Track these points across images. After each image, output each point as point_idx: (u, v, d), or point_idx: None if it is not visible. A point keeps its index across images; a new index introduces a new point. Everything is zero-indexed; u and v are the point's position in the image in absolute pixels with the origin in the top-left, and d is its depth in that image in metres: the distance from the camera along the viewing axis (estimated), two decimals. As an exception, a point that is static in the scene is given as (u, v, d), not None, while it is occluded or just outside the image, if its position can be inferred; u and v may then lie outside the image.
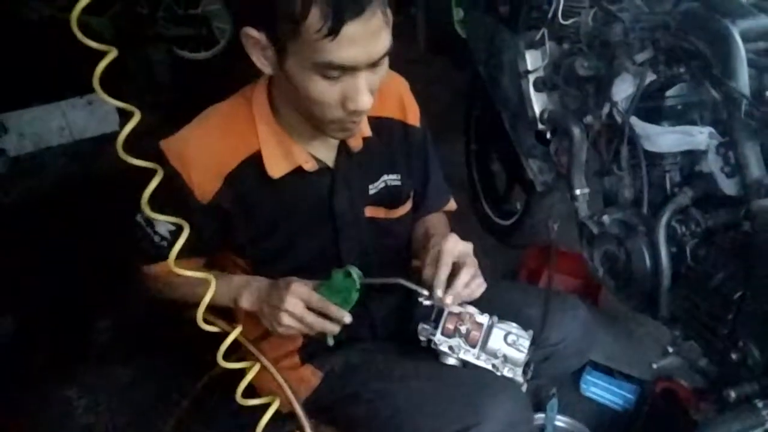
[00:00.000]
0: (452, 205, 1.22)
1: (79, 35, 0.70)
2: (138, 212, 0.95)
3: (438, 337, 0.95)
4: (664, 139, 1.12)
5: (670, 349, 1.12)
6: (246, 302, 0.95)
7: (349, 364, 1.04)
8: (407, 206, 1.12)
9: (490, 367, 0.94)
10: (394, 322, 1.14)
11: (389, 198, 1.07)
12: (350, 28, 0.73)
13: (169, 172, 0.87)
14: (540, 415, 1.43)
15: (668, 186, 1.15)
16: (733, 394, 0.94)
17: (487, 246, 1.96)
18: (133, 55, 3.58)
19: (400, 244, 1.14)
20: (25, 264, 2.02)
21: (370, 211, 1.05)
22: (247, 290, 0.95)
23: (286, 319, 0.88)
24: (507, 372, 0.94)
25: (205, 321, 0.90)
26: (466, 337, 0.95)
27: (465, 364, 0.96)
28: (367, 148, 0.99)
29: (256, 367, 0.92)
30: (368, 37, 0.75)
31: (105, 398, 1.61)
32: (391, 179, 1.06)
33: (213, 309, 0.95)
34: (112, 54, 0.71)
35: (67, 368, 1.69)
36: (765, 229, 0.90)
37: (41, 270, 2.02)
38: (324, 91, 0.80)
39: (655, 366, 1.10)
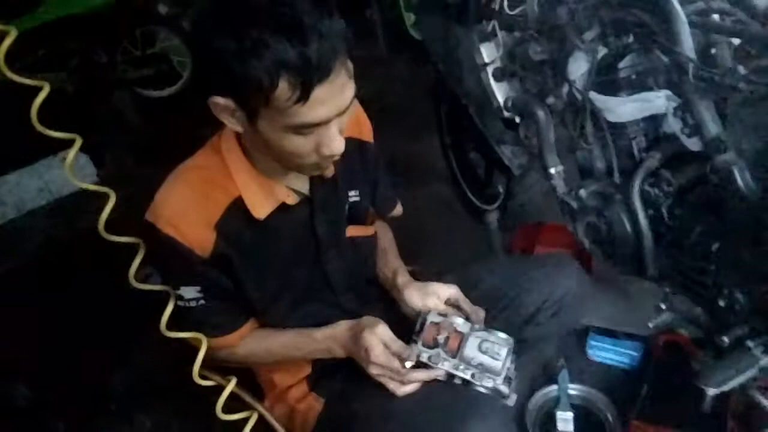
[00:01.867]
0: (398, 210, 1.27)
1: (9, 73, 0.73)
2: (172, 297, 0.98)
3: (419, 348, 0.98)
4: (624, 108, 1.17)
5: (663, 306, 1.17)
6: (340, 353, 1.03)
7: (347, 387, 1.08)
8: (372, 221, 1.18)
9: (469, 376, 0.95)
10: None
11: (356, 216, 1.11)
12: (318, 92, 0.76)
13: (163, 239, 0.91)
14: (553, 387, 1.48)
15: (636, 152, 1.20)
16: (726, 340, 0.99)
17: (479, 233, 2.01)
18: (99, 104, 3.60)
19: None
20: (27, 329, 2.04)
21: (349, 231, 1.09)
22: (335, 343, 1.02)
23: (374, 370, 0.97)
24: (486, 382, 0.95)
25: (201, 376, 0.97)
26: (445, 345, 0.98)
27: (449, 375, 0.97)
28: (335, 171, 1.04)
29: (254, 418, 1.00)
30: (336, 94, 0.79)
31: (131, 447, 1.64)
32: (353, 196, 1.10)
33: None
34: (46, 89, 0.75)
35: (89, 425, 1.71)
36: (729, 182, 0.95)
37: (43, 332, 2.03)
38: (298, 144, 0.83)
39: (650, 325, 1.16)
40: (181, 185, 0.95)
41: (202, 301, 0.97)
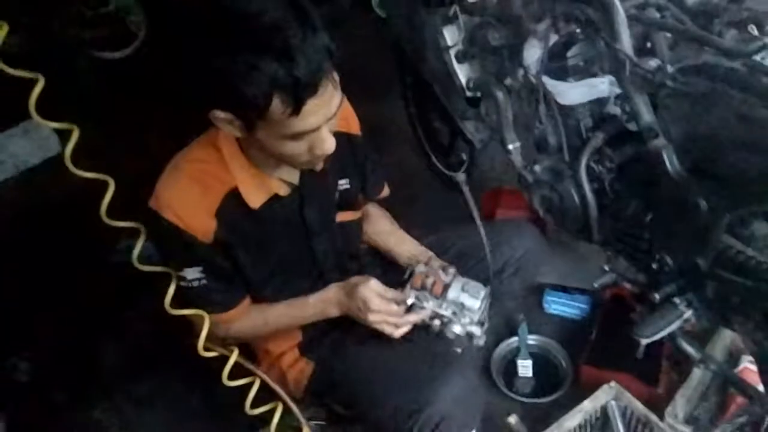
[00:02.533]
0: (386, 191, 1.39)
1: (6, 68, 0.79)
2: (174, 278, 1.07)
3: (407, 291, 1.12)
4: (573, 92, 1.29)
5: (606, 267, 1.34)
6: (335, 312, 1.14)
7: (334, 350, 1.22)
8: (361, 205, 1.30)
9: (450, 314, 1.11)
10: None
11: (346, 202, 1.23)
12: (308, 105, 0.85)
13: (168, 226, 1.01)
14: (514, 339, 1.66)
15: (583, 132, 1.33)
16: (657, 296, 1.16)
17: (447, 198, 2.12)
18: (52, 68, 3.51)
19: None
20: (11, 304, 2.08)
21: (340, 216, 1.21)
22: (328, 304, 1.13)
23: (373, 317, 1.08)
24: (464, 320, 1.10)
25: (205, 349, 1.09)
26: (431, 289, 1.12)
27: (433, 315, 1.12)
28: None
29: (257, 383, 1.14)
30: (324, 105, 0.88)
31: (132, 413, 1.74)
32: (343, 184, 1.22)
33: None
34: (41, 82, 0.81)
35: (89, 395, 1.80)
36: (659, 163, 1.09)
37: (29, 307, 2.06)
38: (293, 148, 0.93)
39: (596, 285, 1.32)
40: (183, 177, 1.03)
41: (203, 281, 1.07)
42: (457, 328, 1.11)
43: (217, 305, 1.11)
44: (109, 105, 3.18)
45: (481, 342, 1.15)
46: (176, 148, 1.11)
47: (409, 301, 1.11)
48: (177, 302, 1.09)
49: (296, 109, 0.85)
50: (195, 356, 1.23)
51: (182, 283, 1.07)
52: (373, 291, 1.09)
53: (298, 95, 0.84)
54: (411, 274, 1.16)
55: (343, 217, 1.22)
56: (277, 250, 1.13)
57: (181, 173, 1.05)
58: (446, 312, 1.11)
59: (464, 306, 1.11)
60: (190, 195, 1.02)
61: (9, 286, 2.16)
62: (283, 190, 1.09)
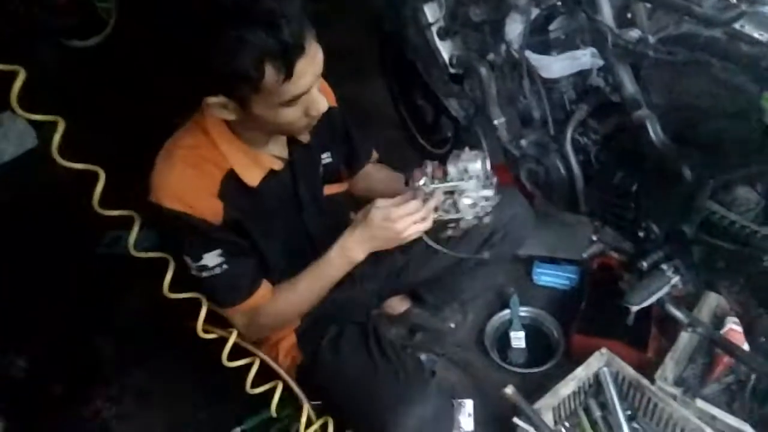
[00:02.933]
0: (375, 155, 1.40)
1: None
2: (187, 268, 1.04)
3: (412, 185, 1.09)
4: (555, 65, 1.30)
5: (594, 238, 1.37)
6: (359, 253, 1.09)
7: (325, 349, 1.21)
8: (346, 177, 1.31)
9: (458, 183, 1.07)
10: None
11: (330, 175, 1.24)
12: (299, 66, 0.87)
13: (173, 216, 0.99)
14: (506, 311, 1.69)
15: (567, 104, 1.35)
16: (645, 264, 1.19)
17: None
18: (20, 57, 3.42)
19: None
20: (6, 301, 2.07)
21: (327, 190, 1.22)
22: (351, 248, 1.09)
23: (401, 224, 1.05)
24: (473, 185, 1.07)
25: (204, 331, 1.09)
26: (433, 175, 1.09)
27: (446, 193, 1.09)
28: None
29: (257, 363, 1.13)
30: (311, 63, 0.89)
31: (131, 405, 1.74)
32: (325, 158, 1.22)
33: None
34: (22, 75, 0.80)
35: (84, 388, 1.79)
36: (643, 132, 1.11)
37: (19, 300, 2.05)
38: (289, 114, 0.94)
39: (584, 255, 1.35)
40: (179, 164, 1.01)
41: (225, 266, 1.04)
42: (470, 195, 1.09)
43: (243, 289, 1.09)
44: (81, 94, 3.13)
45: (495, 201, 1.12)
46: (157, 135, 1.08)
47: (420, 183, 1.09)
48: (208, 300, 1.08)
49: (289, 72, 0.86)
50: (189, 341, 1.23)
51: (205, 274, 1.05)
52: (385, 205, 1.07)
53: (289, 58, 0.85)
54: (410, 174, 1.14)
55: (329, 190, 1.23)
56: (276, 226, 1.14)
57: (175, 161, 1.02)
58: (457, 184, 1.09)
59: (467, 170, 1.09)
60: (190, 180, 1.01)
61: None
62: (278, 165, 1.09)
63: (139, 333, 1.93)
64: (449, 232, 1.14)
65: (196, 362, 1.60)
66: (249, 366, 1.17)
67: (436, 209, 1.09)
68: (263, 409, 1.40)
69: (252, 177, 1.05)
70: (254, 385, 1.17)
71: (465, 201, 1.09)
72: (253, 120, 0.95)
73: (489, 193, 1.09)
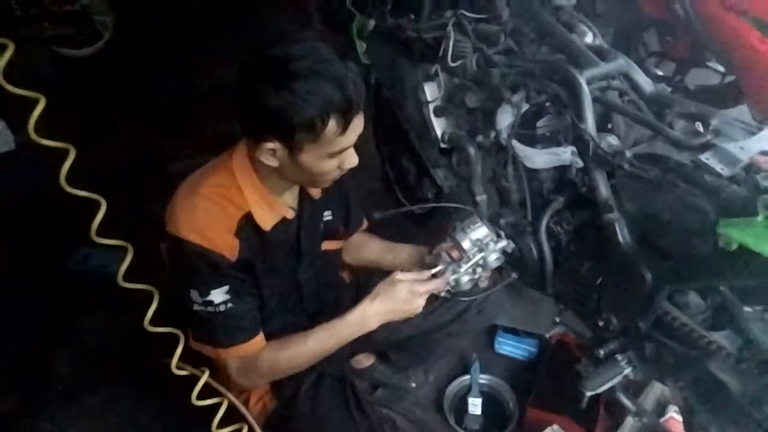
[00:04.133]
0: (365, 225, 1.50)
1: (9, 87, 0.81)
2: (190, 303, 1.08)
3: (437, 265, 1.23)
4: (539, 158, 1.41)
5: (557, 320, 1.46)
6: (374, 325, 1.18)
7: (300, 395, 1.27)
8: (343, 236, 1.38)
9: (479, 254, 1.24)
10: None
11: (329, 232, 1.31)
12: (354, 121, 0.99)
13: (193, 249, 1.04)
14: (466, 377, 1.76)
15: (545, 194, 1.46)
16: (601, 352, 1.28)
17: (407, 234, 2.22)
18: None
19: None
20: None
21: (324, 245, 1.29)
22: (368, 319, 1.16)
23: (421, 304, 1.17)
24: (491, 247, 1.25)
25: (177, 368, 1.12)
26: (452, 257, 1.24)
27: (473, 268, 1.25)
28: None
29: (225, 405, 1.18)
30: (360, 120, 1.02)
31: (81, 428, 1.73)
32: (327, 215, 1.30)
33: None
34: (11, 48, 0.83)
35: (38, 405, 1.77)
36: (612, 234, 1.22)
37: None
38: (329, 165, 1.04)
39: (547, 335, 1.44)
40: (202, 200, 1.07)
41: (230, 304, 1.09)
42: (494, 257, 1.26)
43: (244, 331, 1.12)
44: (71, 101, 3.14)
45: (511, 246, 1.31)
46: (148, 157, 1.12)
47: (442, 268, 1.23)
48: (201, 336, 1.13)
49: (346, 126, 0.98)
50: (153, 371, 1.25)
51: (209, 309, 1.08)
52: (409, 279, 1.18)
53: (349, 113, 0.97)
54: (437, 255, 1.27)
55: (326, 246, 1.30)
56: (276, 276, 1.19)
57: (199, 197, 1.08)
58: (478, 256, 1.24)
59: (480, 240, 1.24)
60: (213, 216, 1.07)
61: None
62: (290, 214, 1.17)
63: (101, 355, 1.92)
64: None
65: (156, 393, 1.61)
66: (215, 406, 1.21)
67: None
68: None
69: (267, 221, 1.12)
70: (219, 426, 1.20)
71: (490, 261, 1.26)
72: (293, 167, 1.03)
73: (504, 243, 1.27)
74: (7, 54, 0.83)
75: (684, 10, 2.42)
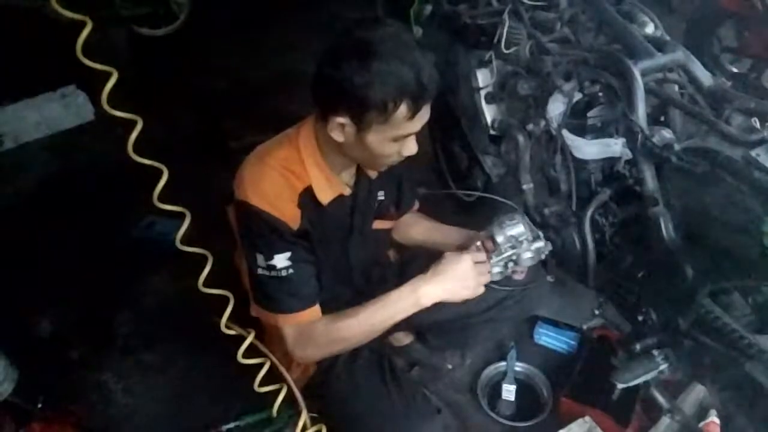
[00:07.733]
0: (416, 206, 1.52)
1: (57, 6, 0.87)
2: (255, 267, 1.13)
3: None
4: (588, 148, 1.40)
5: (597, 312, 1.46)
6: (428, 302, 1.16)
7: (339, 364, 1.30)
8: (393, 217, 1.42)
9: (512, 250, 1.21)
10: None
11: (380, 212, 1.36)
12: (423, 108, 1.03)
13: (259, 213, 1.11)
14: (502, 363, 1.78)
15: (593, 185, 1.45)
16: (638, 347, 1.28)
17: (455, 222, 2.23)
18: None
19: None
20: (31, 265, 2.17)
21: (376, 224, 1.34)
22: (423, 296, 1.15)
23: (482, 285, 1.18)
24: (526, 245, 1.22)
25: (226, 327, 1.19)
26: (485, 247, 1.24)
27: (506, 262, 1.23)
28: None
29: (267, 365, 1.24)
30: (428, 108, 1.05)
31: (138, 381, 1.85)
32: (380, 196, 1.34)
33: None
34: (89, 25, 0.89)
35: (99, 358, 1.92)
36: (657, 228, 1.21)
37: (49, 269, 2.17)
38: (391, 148, 1.08)
39: (585, 326, 1.44)
40: (269, 170, 1.14)
41: (291, 270, 1.13)
42: (527, 255, 1.24)
43: (303, 299, 1.16)
44: (145, 79, 3.31)
45: (548, 248, 1.26)
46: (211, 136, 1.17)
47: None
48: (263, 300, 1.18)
49: (415, 113, 1.01)
50: (205, 333, 1.32)
51: (272, 273, 1.13)
52: (472, 259, 1.16)
53: (421, 101, 1.00)
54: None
55: (377, 225, 1.35)
56: (330, 248, 1.25)
57: (267, 168, 1.14)
58: (510, 252, 1.22)
59: (515, 237, 1.23)
60: (278, 186, 1.13)
61: (37, 245, 2.30)
62: (346, 191, 1.22)
63: (158, 316, 2.06)
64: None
65: (207, 353, 1.70)
66: (258, 366, 1.28)
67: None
68: (262, 409, 1.51)
69: (325, 196, 1.18)
70: (261, 385, 1.28)
71: (524, 259, 1.23)
72: (357, 145, 1.07)
73: (540, 243, 1.23)
74: (86, 31, 0.91)
75: (763, 4, 2.31)
